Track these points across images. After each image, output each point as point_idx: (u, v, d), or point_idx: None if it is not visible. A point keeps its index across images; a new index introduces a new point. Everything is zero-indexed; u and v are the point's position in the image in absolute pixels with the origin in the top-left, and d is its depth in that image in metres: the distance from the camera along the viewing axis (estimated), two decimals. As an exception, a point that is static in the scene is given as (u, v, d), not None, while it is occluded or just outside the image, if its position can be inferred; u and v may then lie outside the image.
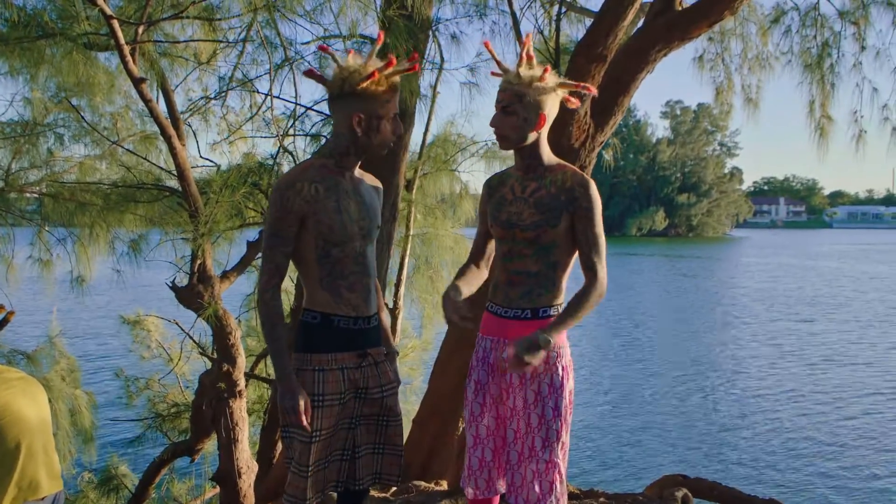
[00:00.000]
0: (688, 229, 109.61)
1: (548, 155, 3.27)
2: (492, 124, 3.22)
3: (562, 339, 3.25)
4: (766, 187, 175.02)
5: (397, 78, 3.03)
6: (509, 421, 3.27)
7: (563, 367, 3.23)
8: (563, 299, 3.25)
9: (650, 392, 20.87)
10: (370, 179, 3.25)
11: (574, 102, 3.28)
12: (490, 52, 3.28)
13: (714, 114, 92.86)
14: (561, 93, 3.22)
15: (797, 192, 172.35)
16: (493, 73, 3.29)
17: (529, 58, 3.19)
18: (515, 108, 3.16)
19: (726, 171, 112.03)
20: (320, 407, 3.04)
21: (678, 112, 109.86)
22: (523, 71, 3.16)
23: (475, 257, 3.47)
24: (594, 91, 3.31)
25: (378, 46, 3.10)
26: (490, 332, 3.33)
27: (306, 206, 3.00)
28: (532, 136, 3.20)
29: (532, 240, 3.20)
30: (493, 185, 3.42)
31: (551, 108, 3.21)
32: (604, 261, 3.20)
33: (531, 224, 3.19)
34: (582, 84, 3.26)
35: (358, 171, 3.18)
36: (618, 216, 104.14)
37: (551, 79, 3.18)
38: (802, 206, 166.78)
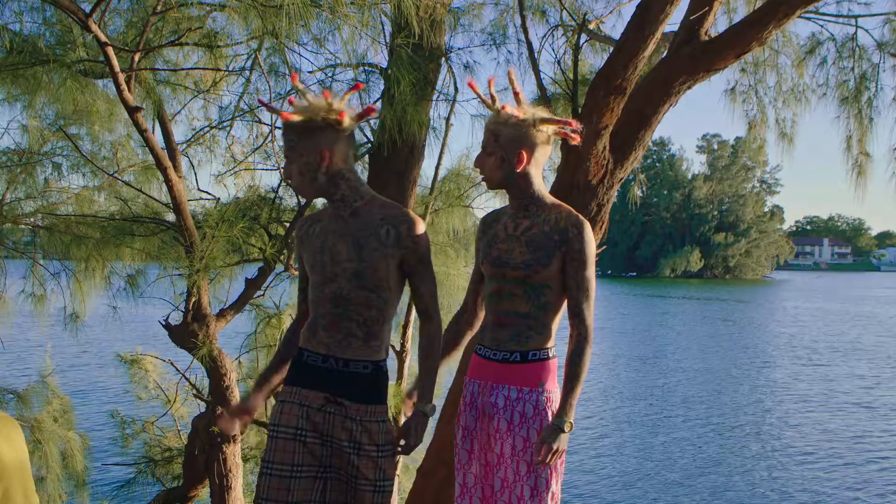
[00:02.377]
0: (725, 271, 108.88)
1: (541, 193, 3.31)
2: (475, 165, 3.35)
3: (552, 384, 3.27)
4: (808, 227, 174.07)
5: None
6: (496, 469, 3.26)
7: (552, 413, 3.22)
8: (553, 343, 3.28)
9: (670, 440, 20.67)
10: (381, 218, 3.15)
11: (574, 138, 3.32)
12: (474, 90, 3.33)
13: (753, 148, 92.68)
14: (547, 129, 3.26)
15: (842, 232, 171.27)
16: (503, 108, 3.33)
17: (516, 95, 3.26)
18: (493, 147, 3.24)
19: (766, 209, 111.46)
20: (275, 438, 3.11)
21: (715, 146, 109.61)
22: (503, 109, 3.23)
23: (469, 305, 3.52)
24: (576, 126, 3.33)
25: (351, 93, 3.21)
26: (477, 376, 3.34)
27: (300, 244, 3.23)
28: (515, 176, 3.25)
29: (522, 279, 3.23)
30: (488, 222, 3.47)
31: (533, 146, 3.25)
32: (592, 307, 3.23)
33: (521, 263, 3.22)
34: (563, 120, 3.30)
35: (375, 209, 3.16)
36: (650, 256, 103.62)
37: (531, 114, 3.23)
38: (848, 247, 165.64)
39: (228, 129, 8.58)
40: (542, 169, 3.33)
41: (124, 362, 10.46)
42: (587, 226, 3.22)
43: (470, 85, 3.33)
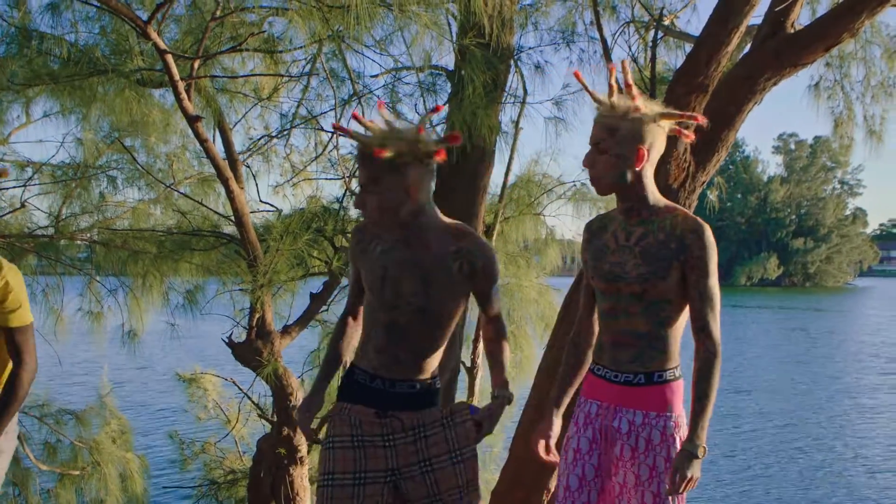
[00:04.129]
0: (804, 278, 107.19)
1: (654, 196, 3.11)
2: (584, 164, 3.09)
3: (679, 407, 3.13)
4: (895, 230, 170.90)
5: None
6: (618, 499, 3.13)
7: (680, 439, 3.08)
8: (677, 361, 3.13)
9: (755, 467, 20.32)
10: (455, 251, 3.10)
11: (688, 136, 3.16)
12: (580, 81, 3.17)
13: (833, 148, 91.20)
14: (665, 124, 3.06)
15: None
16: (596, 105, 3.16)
17: (628, 86, 3.04)
18: (608, 144, 3.01)
19: (848, 212, 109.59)
20: (331, 448, 3.12)
21: (792, 146, 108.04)
22: (617, 101, 3.02)
23: (584, 325, 3.36)
24: (702, 120, 3.14)
25: (431, 116, 3.21)
26: (597, 396, 3.18)
27: (357, 256, 3.27)
28: (631, 176, 3.05)
29: (639, 294, 3.06)
30: (594, 231, 3.27)
31: (653, 142, 3.04)
32: (718, 319, 3.06)
33: (637, 277, 3.04)
34: (688, 113, 3.14)
35: (448, 239, 3.10)
36: (724, 263, 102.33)
37: (650, 107, 3.02)
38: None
39: (287, 137, 8.63)
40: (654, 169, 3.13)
41: (183, 381, 10.56)
42: (707, 230, 3.02)
43: (576, 75, 3.18)
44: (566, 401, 3.34)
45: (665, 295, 3.03)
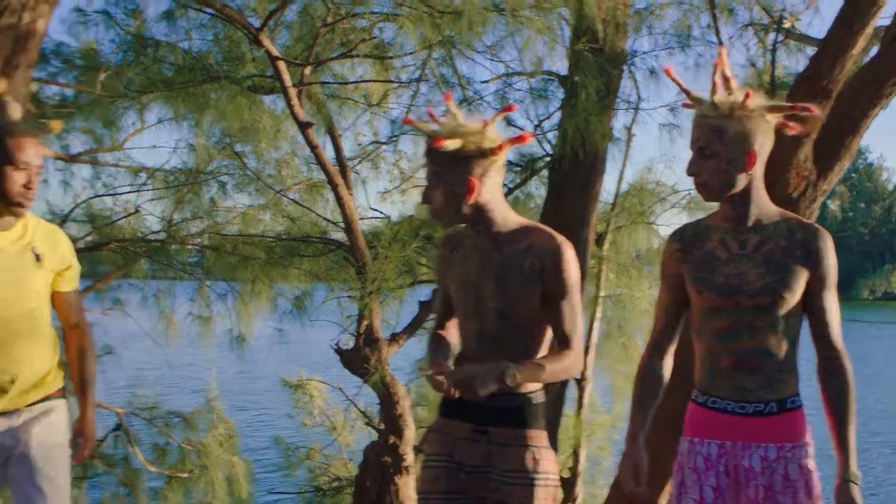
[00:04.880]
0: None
1: (765, 201, 2.87)
2: (689, 172, 2.84)
3: (810, 435, 2.88)
4: None
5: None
6: None
7: (814, 471, 2.83)
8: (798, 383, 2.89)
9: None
10: (526, 248, 3.00)
11: (794, 128, 2.87)
12: (673, 79, 2.93)
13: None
14: (772, 119, 2.82)
15: None
16: (684, 105, 2.96)
17: (726, 80, 2.82)
18: (715, 147, 2.76)
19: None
20: (426, 468, 3.13)
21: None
22: (720, 98, 2.79)
23: (664, 347, 3.03)
24: (815, 111, 2.84)
25: (503, 114, 3.08)
26: (716, 435, 2.87)
27: (444, 265, 3.21)
28: (743, 180, 2.80)
29: (766, 308, 2.79)
30: (688, 240, 2.95)
31: (763, 142, 2.79)
32: (840, 333, 2.86)
33: (763, 288, 2.78)
34: (800, 105, 2.83)
35: (520, 239, 3.00)
36: (845, 276, 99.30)
37: (757, 102, 2.78)
38: None
39: (396, 143, 8.73)
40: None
41: (289, 387, 10.73)
42: (829, 237, 2.83)
43: (668, 72, 2.94)
44: (643, 436, 2.97)
45: (792, 307, 2.79)
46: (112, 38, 7.88)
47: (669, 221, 9.91)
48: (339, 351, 7.27)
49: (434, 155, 2.93)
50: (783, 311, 2.80)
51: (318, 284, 9.05)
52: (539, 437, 3.03)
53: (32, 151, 3.09)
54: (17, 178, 3.04)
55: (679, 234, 3.00)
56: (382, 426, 7.63)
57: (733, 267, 2.83)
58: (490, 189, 2.96)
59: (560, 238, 2.97)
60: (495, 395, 2.92)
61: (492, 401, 2.94)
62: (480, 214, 2.98)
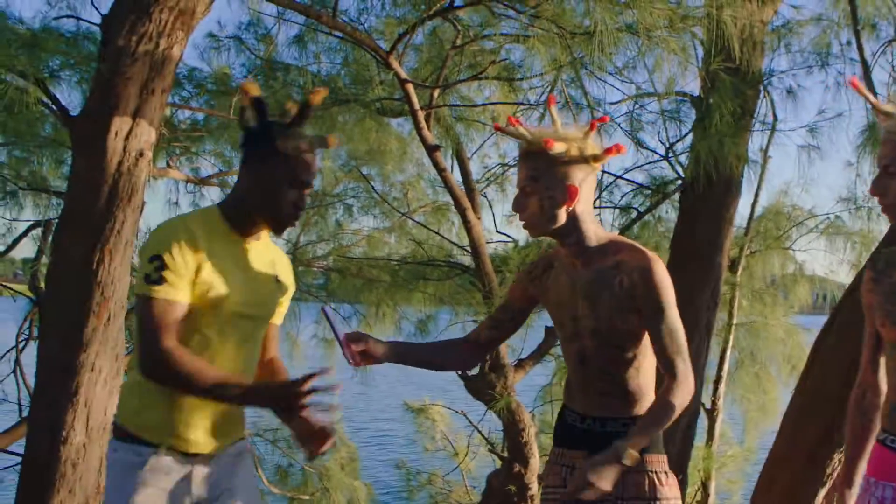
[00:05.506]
0: None
1: None
2: (872, 192, 2.56)
3: None
4: None
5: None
6: None
7: None
8: None
9: None
10: (614, 265, 2.90)
11: None
12: (859, 90, 2.62)
13: None
14: None
15: None
16: (878, 117, 2.62)
17: None
18: None
19: None
20: (545, 500, 3.07)
21: None
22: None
23: (870, 382, 2.84)
24: None
25: (597, 126, 2.90)
26: (892, 477, 2.66)
27: (531, 282, 3.11)
28: None
29: None
30: (880, 268, 2.71)
31: None
32: None
33: None
34: None
35: (609, 255, 2.91)
36: None
37: None
38: None
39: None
40: None
41: (411, 411, 10.78)
42: None
43: (853, 83, 2.64)
44: (858, 479, 2.81)
45: None
46: (243, 62, 8.10)
47: (806, 247, 9.66)
48: (463, 376, 7.25)
49: (532, 159, 2.81)
50: None
51: (443, 308, 9.08)
52: (657, 461, 2.92)
53: (312, 170, 2.84)
54: (291, 197, 2.80)
55: (873, 262, 2.78)
56: (506, 454, 7.57)
57: None
58: (585, 199, 2.86)
59: (650, 254, 2.86)
60: (607, 420, 2.91)
61: (604, 426, 2.92)
62: (573, 226, 2.87)
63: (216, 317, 2.74)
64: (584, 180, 2.84)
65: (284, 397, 2.62)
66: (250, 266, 2.84)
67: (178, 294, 2.64)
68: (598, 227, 2.95)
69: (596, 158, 2.84)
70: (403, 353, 3.08)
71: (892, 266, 2.67)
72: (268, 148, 2.76)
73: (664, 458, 2.95)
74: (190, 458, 2.77)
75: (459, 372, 7.30)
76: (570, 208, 2.82)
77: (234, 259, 2.79)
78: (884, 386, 2.77)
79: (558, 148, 2.75)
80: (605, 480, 2.65)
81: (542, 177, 2.80)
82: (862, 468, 2.78)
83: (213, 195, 9.16)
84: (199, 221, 2.76)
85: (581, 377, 2.99)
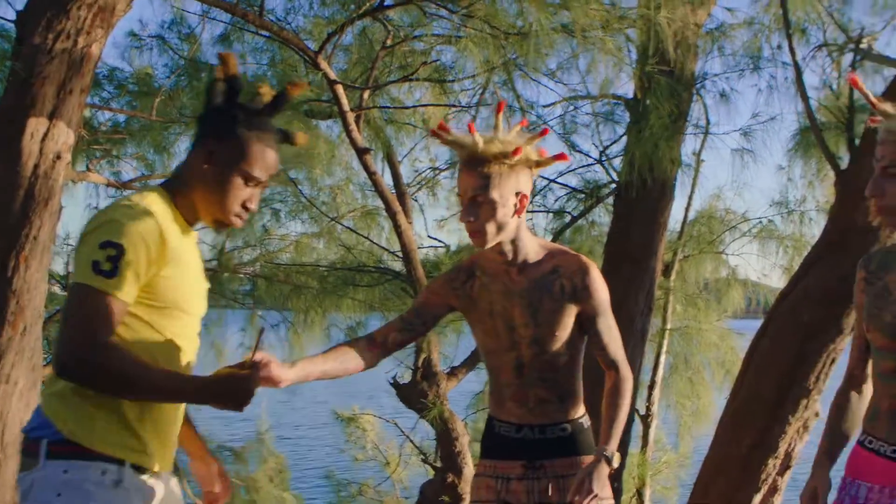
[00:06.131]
0: None
1: None
2: (869, 192, 2.52)
3: None
4: None
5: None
6: None
7: None
8: None
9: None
10: (551, 271, 2.89)
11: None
12: (859, 87, 2.56)
13: None
14: None
15: None
16: (871, 121, 2.60)
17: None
18: None
19: None
20: None
21: None
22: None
23: (857, 380, 2.83)
24: None
25: (539, 138, 2.85)
26: (867, 477, 2.66)
27: (452, 292, 2.99)
28: None
29: None
30: (872, 270, 2.69)
31: None
32: None
33: None
34: None
35: (544, 261, 2.90)
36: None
37: None
38: None
39: (454, 169, 8.66)
40: None
41: (341, 420, 10.67)
42: None
43: (853, 81, 2.62)
44: (838, 455, 2.80)
45: None
46: (166, 62, 7.95)
47: (739, 251, 9.78)
48: (395, 385, 7.19)
49: (481, 166, 2.73)
50: None
51: (373, 314, 8.98)
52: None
53: (271, 167, 2.50)
54: (240, 195, 2.46)
55: (865, 263, 2.76)
56: (439, 463, 7.52)
57: None
58: (524, 207, 2.84)
59: (584, 258, 2.90)
60: (546, 427, 2.92)
61: (544, 433, 2.92)
62: (515, 234, 2.84)
63: (172, 318, 2.43)
64: (528, 187, 2.82)
65: (245, 390, 2.37)
66: (196, 260, 2.56)
67: (129, 294, 2.27)
68: (530, 234, 2.93)
69: (540, 165, 2.82)
70: (307, 374, 2.80)
71: (884, 269, 2.66)
72: (228, 132, 2.44)
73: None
74: (153, 476, 2.43)
75: (390, 380, 7.24)
76: (517, 217, 2.78)
77: (188, 253, 2.48)
78: (869, 388, 2.77)
79: (525, 153, 2.71)
80: (605, 487, 2.77)
81: (495, 185, 2.73)
82: (835, 454, 2.78)
83: (134, 200, 8.95)
84: (160, 210, 2.37)
85: (517, 387, 2.96)
